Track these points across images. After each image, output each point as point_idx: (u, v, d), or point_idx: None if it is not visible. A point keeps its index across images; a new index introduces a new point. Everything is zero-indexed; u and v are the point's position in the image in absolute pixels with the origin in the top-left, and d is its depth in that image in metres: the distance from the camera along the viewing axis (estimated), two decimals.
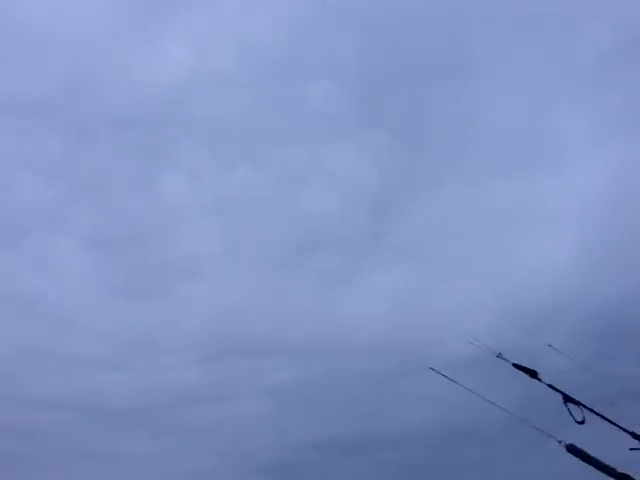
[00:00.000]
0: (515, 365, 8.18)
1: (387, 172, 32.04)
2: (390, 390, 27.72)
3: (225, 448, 27.44)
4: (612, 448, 7.84)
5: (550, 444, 7.47)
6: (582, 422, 7.72)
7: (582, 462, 7.28)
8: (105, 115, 32.58)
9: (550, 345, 8.44)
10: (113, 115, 32.56)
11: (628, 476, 7.14)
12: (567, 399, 7.78)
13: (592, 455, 7.25)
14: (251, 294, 31.39)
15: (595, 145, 30.89)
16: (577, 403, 7.75)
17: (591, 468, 7.31)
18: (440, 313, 28.39)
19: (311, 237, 32.04)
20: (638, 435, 7.68)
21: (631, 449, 7.65)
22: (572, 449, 7.31)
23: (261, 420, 27.96)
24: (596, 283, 26.31)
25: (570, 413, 7.71)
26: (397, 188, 31.71)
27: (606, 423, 7.71)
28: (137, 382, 29.28)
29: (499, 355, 8.19)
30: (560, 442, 7.33)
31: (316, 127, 32.11)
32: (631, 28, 30.00)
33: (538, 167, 31.76)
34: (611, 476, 7.19)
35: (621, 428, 7.67)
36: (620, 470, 7.15)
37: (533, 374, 8.11)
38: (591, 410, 7.72)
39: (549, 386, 7.98)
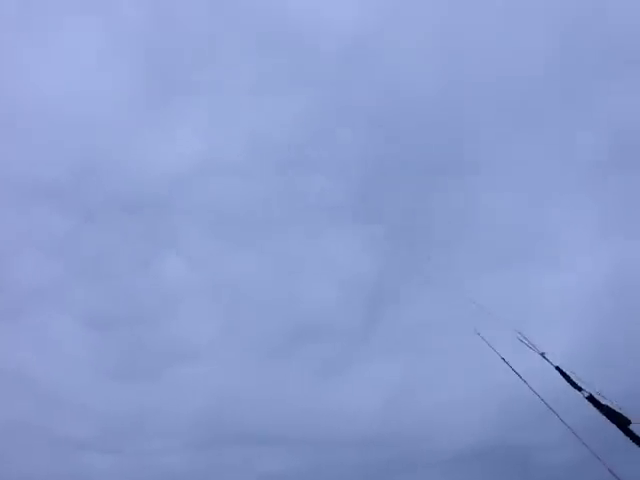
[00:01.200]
0: None
1: (384, 265, 32.43)
2: None
3: None
4: None
5: None
6: None
7: None
8: (111, 197, 33.21)
9: None
10: (119, 198, 33.18)
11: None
12: None
13: None
14: (245, 381, 31.57)
15: (590, 242, 31.49)
16: None
17: None
18: (432, 407, 28.59)
19: (307, 326, 32.32)
20: None
21: None
22: None
23: None
24: (591, 378, 26.19)
25: None
26: (394, 281, 32.05)
27: None
28: (125, 465, 29.22)
29: None
30: None
31: (317, 219, 32.65)
32: (623, 134, 30.48)
33: (535, 262, 32.19)
34: None
35: None
36: None
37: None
38: None
39: None
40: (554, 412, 8.70)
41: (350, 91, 32.28)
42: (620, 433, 7.37)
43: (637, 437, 7.63)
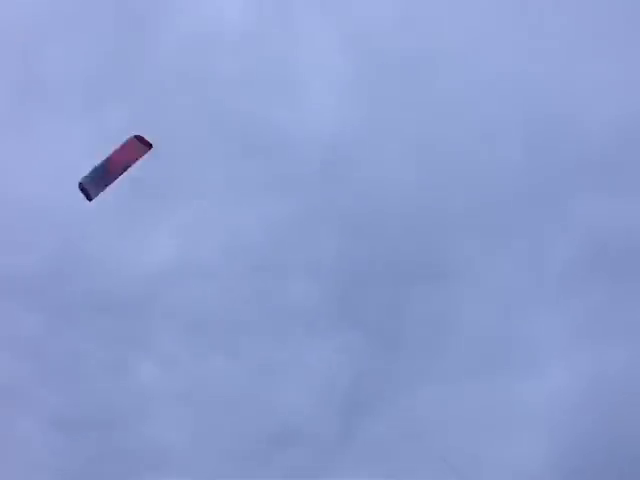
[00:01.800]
0: None
1: (361, 371, 32.47)
2: None
3: None
4: None
5: None
6: None
7: None
8: (84, 297, 32.93)
9: None
10: (92, 298, 32.89)
11: None
12: None
13: None
14: None
15: (565, 349, 32.11)
16: None
17: None
18: None
19: (282, 432, 31.97)
20: None
21: None
22: None
23: None
24: None
25: None
26: (371, 388, 31.96)
27: None
28: None
29: None
30: None
31: (293, 323, 32.70)
32: (594, 239, 31.25)
33: (511, 370, 32.50)
34: None
35: None
36: None
37: None
38: None
39: None
40: None
41: (329, 196, 32.99)
42: None
43: None
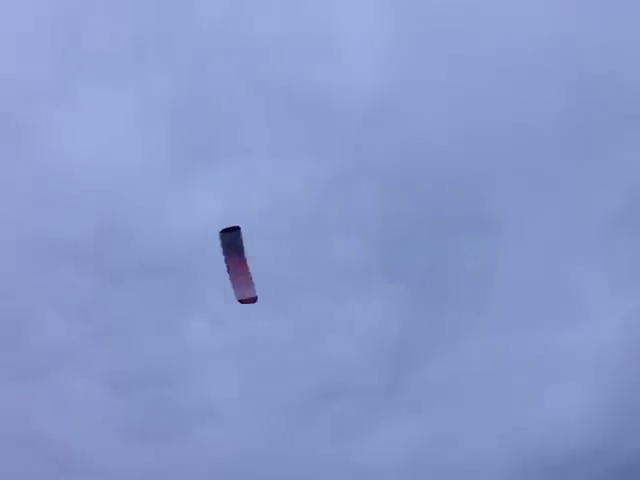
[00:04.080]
0: None
1: (407, 324, 32.57)
2: None
3: None
4: None
5: None
6: None
7: None
8: (134, 260, 33.52)
9: None
10: (142, 260, 33.51)
11: None
12: None
13: None
14: (267, 441, 31.33)
15: (610, 296, 31.74)
16: None
17: None
18: (457, 466, 28.22)
19: (330, 386, 32.22)
20: None
21: None
22: None
23: None
24: (616, 433, 26.34)
25: None
26: (417, 340, 32.15)
27: None
28: None
29: None
30: None
31: (339, 279, 32.84)
32: (638, 188, 30.85)
33: (556, 318, 32.39)
34: None
35: None
36: None
37: None
38: None
39: None
40: None
41: (372, 152, 33.01)
42: None
43: None
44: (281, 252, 33.81)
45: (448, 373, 30.68)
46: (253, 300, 20.50)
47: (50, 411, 31.65)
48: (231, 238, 19.40)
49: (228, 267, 19.79)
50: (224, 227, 19.20)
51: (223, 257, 19.62)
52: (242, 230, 19.29)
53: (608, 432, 28.95)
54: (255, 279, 20.45)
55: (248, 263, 19.57)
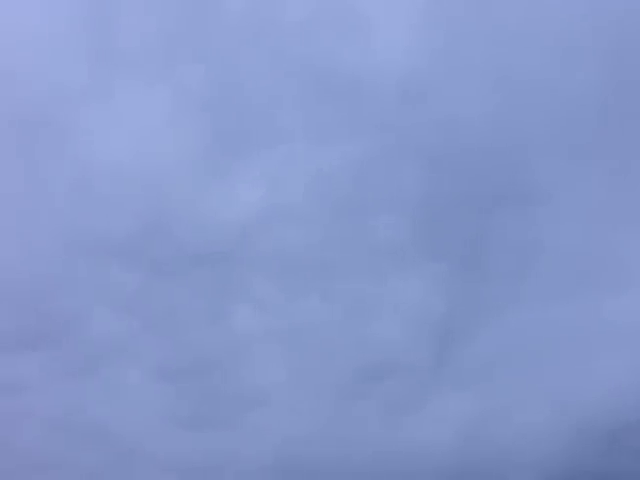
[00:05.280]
0: None
1: (451, 301, 32.50)
2: None
3: None
4: None
5: None
6: None
7: None
8: (178, 252, 34.02)
9: None
10: (186, 252, 34.01)
11: None
12: None
13: None
14: (317, 423, 31.61)
15: None
16: None
17: None
18: (509, 439, 28.12)
19: (377, 366, 32.36)
20: None
21: None
22: None
23: None
24: None
25: None
26: (461, 316, 32.06)
27: None
28: None
29: None
30: None
31: (381, 259, 32.97)
32: None
33: (601, 289, 32.00)
34: None
35: None
36: None
37: None
38: None
39: None
40: None
41: (407, 131, 33.00)
42: None
43: None
44: (323, 235, 34.11)
45: (495, 347, 30.56)
46: None
47: (105, 403, 32.25)
48: None
49: None
50: None
51: None
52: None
53: None
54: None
55: None
